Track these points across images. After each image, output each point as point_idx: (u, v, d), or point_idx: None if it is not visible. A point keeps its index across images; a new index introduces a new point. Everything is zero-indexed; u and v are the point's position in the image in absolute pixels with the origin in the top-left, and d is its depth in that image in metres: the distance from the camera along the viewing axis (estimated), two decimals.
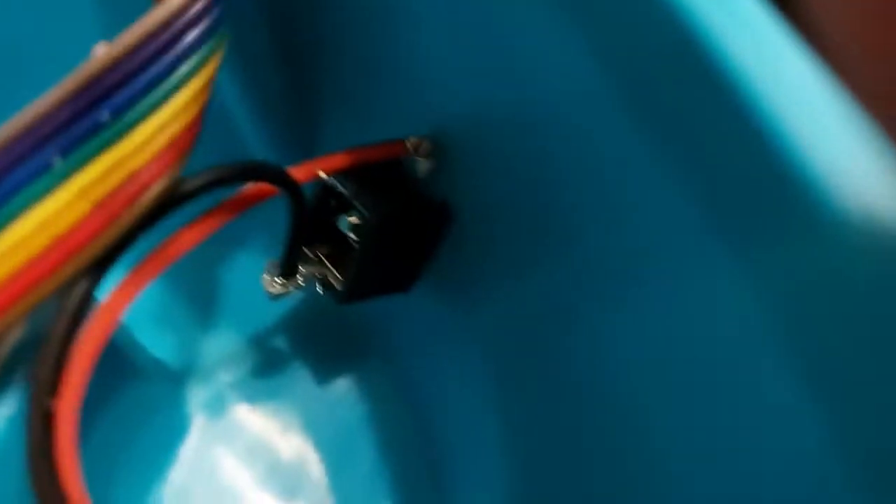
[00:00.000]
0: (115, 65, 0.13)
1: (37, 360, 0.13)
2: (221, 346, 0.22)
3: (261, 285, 0.19)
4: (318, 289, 0.20)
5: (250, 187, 0.17)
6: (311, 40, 0.21)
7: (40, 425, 0.12)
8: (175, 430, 0.20)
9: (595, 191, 0.16)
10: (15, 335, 0.15)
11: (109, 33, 0.13)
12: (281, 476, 0.21)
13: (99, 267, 0.14)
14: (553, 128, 0.16)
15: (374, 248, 0.19)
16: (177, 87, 0.13)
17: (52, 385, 0.13)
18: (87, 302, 0.14)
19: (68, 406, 0.13)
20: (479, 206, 0.19)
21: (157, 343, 0.21)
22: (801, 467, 0.13)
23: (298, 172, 0.18)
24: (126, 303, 0.15)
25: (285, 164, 0.17)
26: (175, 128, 0.14)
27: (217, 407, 0.21)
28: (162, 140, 0.14)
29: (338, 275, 0.19)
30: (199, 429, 0.21)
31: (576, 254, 0.17)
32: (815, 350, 0.12)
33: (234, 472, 0.20)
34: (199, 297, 0.22)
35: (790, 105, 0.11)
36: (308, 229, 0.19)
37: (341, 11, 0.20)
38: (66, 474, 0.12)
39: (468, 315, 0.20)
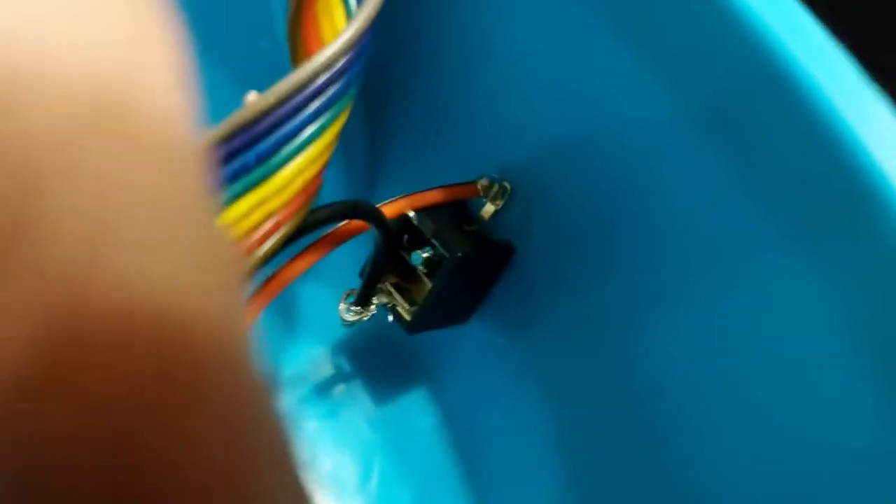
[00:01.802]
0: (265, 114, 0.14)
1: None
2: (292, 365, 0.23)
3: (335, 313, 0.20)
4: (389, 318, 0.21)
5: (344, 224, 0.18)
6: (387, 81, 0.22)
7: None
8: None
9: (663, 212, 0.17)
10: None
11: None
12: (335, 497, 0.22)
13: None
14: (626, 156, 0.18)
15: (447, 286, 0.20)
16: (315, 136, 0.15)
17: None
18: None
19: None
20: (541, 239, 0.20)
21: None
22: (864, 468, 0.14)
23: (387, 210, 0.19)
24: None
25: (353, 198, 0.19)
26: (309, 173, 0.15)
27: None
28: (298, 184, 0.15)
29: (407, 306, 0.21)
30: None
31: (637, 272, 0.18)
32: (881, 349, 0.13)
33: None
34: (276, 320, 0.23)
35: (856, 110, 0.13)
36: (388, 262, 0.20)
37: (419, 55, 0.21)
38: None
39: (525, 341, 0.21)
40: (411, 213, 0.19)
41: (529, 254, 0.21)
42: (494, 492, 0.22)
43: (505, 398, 0.22)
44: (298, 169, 0.15)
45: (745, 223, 0.15)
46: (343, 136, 0.24)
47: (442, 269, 0.20)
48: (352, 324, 0.20)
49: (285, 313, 0.24)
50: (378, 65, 0.22)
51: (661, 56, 0.16)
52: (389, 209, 0.19)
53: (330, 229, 0.18)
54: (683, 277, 0.17)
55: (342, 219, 0.17)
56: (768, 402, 0.16)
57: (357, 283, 0.20)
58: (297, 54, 0.16)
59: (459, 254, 0.19)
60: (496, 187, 0.20)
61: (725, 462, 0.17)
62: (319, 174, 0.15)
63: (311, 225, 0.16)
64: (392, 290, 0.21)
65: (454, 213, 0.20)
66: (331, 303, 0.21)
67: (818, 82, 0.13)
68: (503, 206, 0.21)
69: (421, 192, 0.20)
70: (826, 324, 0.14)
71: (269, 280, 0.17)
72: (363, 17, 0.15)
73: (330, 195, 0.23)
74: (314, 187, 0.15)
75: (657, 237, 0.18)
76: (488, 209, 0.21)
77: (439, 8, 0.20)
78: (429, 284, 0.20)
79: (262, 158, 0.14)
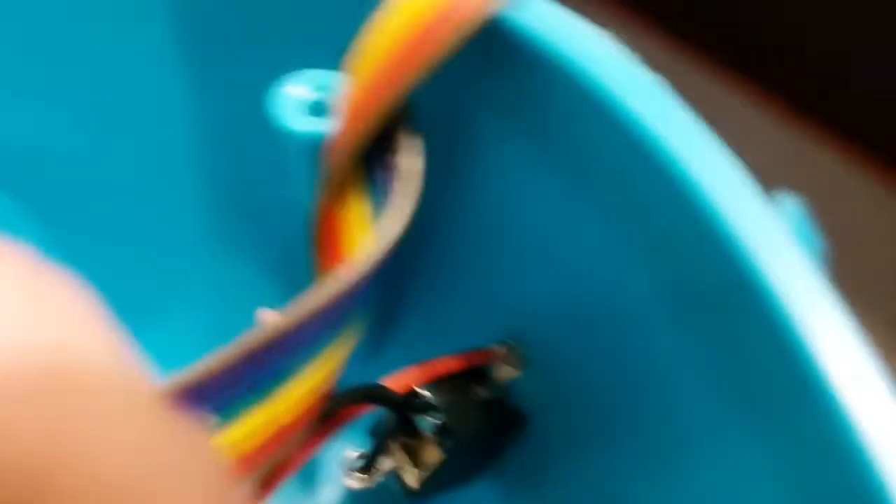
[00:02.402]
0: (283, 335, 0.14)
1: None
2: None
3: (339, 476, 0.20)
4: (397, 483, 0.20)
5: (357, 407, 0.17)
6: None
7: None
8: None
9: (649, 382, 0.17)
10: None
11: None
12: None
13: None
14: (618, 326, 0.18)
15: (457, 458, 0.19)
16: (331, 352, 0.14)
17: None
18: None
19: None
20: (549, 407, 0.20)
21: None
22: None
23: (395, 383, 0.18)
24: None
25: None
26: (323, 388, 0.14)
27: None
28: (310, 400, 0.14)
29: (416, 470, 0.20)
30: None
31: (631, 439, 0.18)
32: None
33: None
34: None
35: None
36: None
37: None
38: None
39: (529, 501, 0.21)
40: (420, 391, 0.19)
41: (537, 421, 0.20)
42: None
43: None
44: (313, 386, 0.14)
45: (708, 396, 0.16)
46: None
47: (451, 442, 0.19)
48: (356, 490, 0.20)
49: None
50: None
51: (643, 243, 0.16)
52: (398, 382, 0.18)
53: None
54: (662, 444, 0.18)
55: (365, 403, 0.17)
56: None
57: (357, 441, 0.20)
58: (318, 252, 0.15)
59: (471, 429, 0.19)
60: (513, 353, 0.20)
61: None
62: (332, 385, 0.15)
63: (329, 412, 0.16)
64: (399, 451, 0.20)
65: (467, 382, 0.20)
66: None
67: (782, 297, 0.14)
68: (519, 372, 0.20)
69: (433, 361, 0.19)
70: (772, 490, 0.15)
71: (281, 465, 0.16)
72: (393, 227, 0.14)
73: None
74: (325, 398, 0.15)
75: (644, 407, 0.18)
76: (503, 375, 0.20)
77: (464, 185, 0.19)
78: (437, 450, 0.20)
79: (276, 376, 0.14)
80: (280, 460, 0.17)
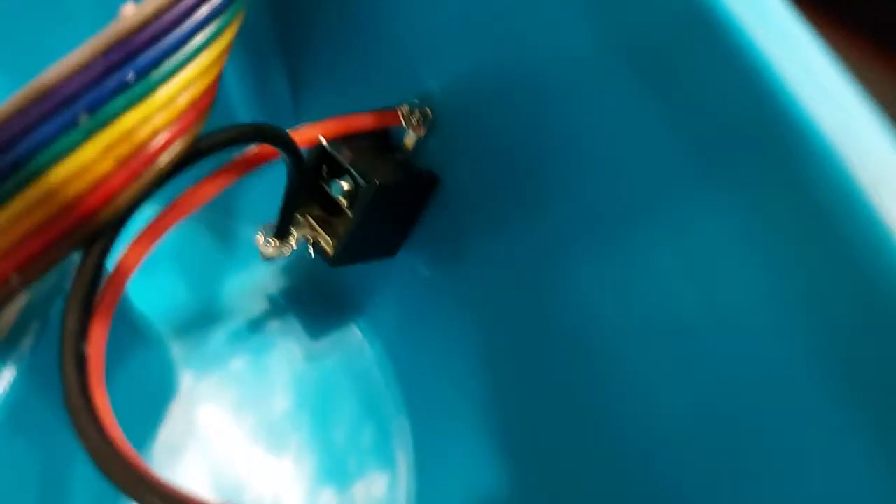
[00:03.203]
0: (142, 26, 0.13)
1: (66, 310, 0.13)
2: (213, 307, 0.22)
3: (254, 248, 0.20)
4: (310, 252, 0.20)
5: (253, 150, 0.17)
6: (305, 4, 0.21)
7: (75, 367, 0.12)
8: (166, 389, 0.21)
9: (587, 147, 0.17)
10: (20, 301, 0.15)
11: None
12: (268, 432, 0.21)
13: (119, 222, 0.14)
14: (548, 90, 0.17)
15: (368, 216, 0.19)
16: (199, 50, 0.14)
17: (81, 331, 0.13)
18: (106, 256, 0.14)
19: (97, 350, 0.13)
20: (465, 170, 0.20)
21: (152, 304, 0.21)
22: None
23: (298, 136, 0.18)
24: (141, 257, 0.15)
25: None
26: (197, 89, 0.14)
27: (207, 365, 0.21)
28: (184, 101, 0.14)
29: (329, 239, 0.20)
30: (189, 387, 0.21)
31: (563, 209, 0.18)
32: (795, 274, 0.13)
33: (223, 428, 0.21)
34: (193, 260, 0.23)
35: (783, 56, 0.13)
36: (304, 193, 0.19)
37: None
38: (102, 412, 0.12)
39: (454, 276, 0.21)
40: (325, 142, 0.18)
41: (454, 185, 0.20)
42: (429, 423, 0.22)
43: (433, 332, 0.21)
44: (184, 84, 0.14)
45: (667, 158, 0.15)
46: (255, 52, 0.23)
47: (360, 199, 0.19)
48: (271, 258, 0.20)
49: (208, 248, 0.23)
50: None
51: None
52: (302, 135, 0.18)
53: (237, 156, 0.17)
54: (606, 215, 0.17)
55: (246, 142, 0.17)
56: (695, 331, 0.16)
57: None
58: None
59: (378, 182, 0.19)
60: (417, 114, 0.20)
61: (653, 390, 0.17)
62: (210, 90, 0.15)
63: (210, 147, 0.15)
64: (313, 223, 0.20)
65: (375, 143, 0.20)
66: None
67: (742, 21, 0.13)
68: (426, 135, 0.20)
69: (338, 117, 0.19)
70: (745, 253, 0.14)
71: (175, 203, 0.16)
72: None
73: (246, 119, 0.22)
74: (204, 104, 0.15)
75: (580, 173, 0.17)
76: (411, 137, 0.20)
77: None
78: (350, 216, 0.19)
79: (142, 74, 0.13)
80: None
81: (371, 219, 0.20)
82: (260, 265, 0.23)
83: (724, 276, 0.15)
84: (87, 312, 0.13)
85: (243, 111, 0.23)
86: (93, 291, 0.14)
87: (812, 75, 0.13)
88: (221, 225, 0.23)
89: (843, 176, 0.12)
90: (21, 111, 0.12)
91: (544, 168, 0.18)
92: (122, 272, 0.15)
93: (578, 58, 0.16)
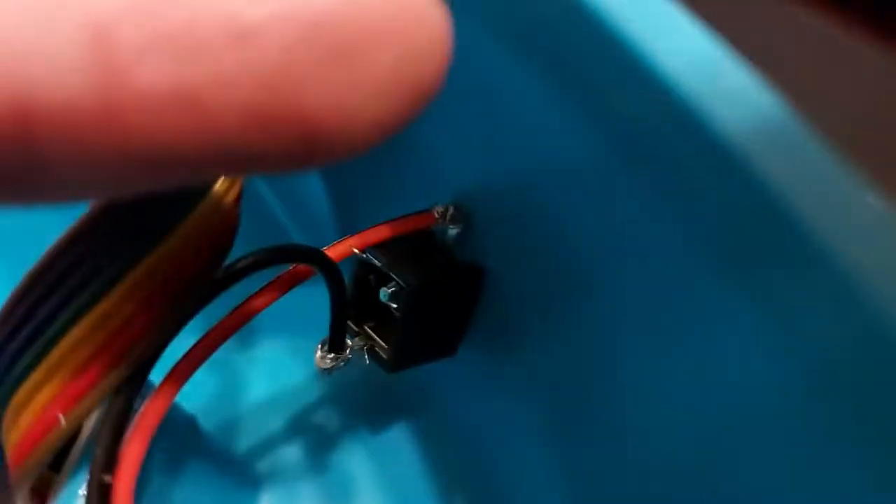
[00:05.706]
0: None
1: (96, 440, 0.14)
2: (275, 424, 0.23)
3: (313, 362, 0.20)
4: (366, 359, 0.21)
5: (289, 270, 0.18)
6: None
7: (97, 495, 0.13)
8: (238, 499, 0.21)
9: (605, 245, 0.17)
10: (89, 426, 0.17)
11: None
12: None
13: (152, 357, 0.15)
14: (559, 191, 0.18)
15: (414, 315, 0.20)
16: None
17: (107, 462, 0.14)
18: (138, 390, 0.15)
19: (123, 480, 0.14)
20: (507, 264, 0.20)
21: (208, 423, 0.22)
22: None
23: (333, 251, 0.19)
24: (177, 388, 0.16)
25: (323, 246, 0.19)
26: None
27: (278, 482, 0.22)
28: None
29: (383, 344, 0.20)
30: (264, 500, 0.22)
31: (599, 302, 0.18)
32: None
33: None
34: (248, 379, 0.24)
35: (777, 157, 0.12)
36: (351, 305, 0.20)
37: None
38: None
39: (514, 366, 0.21)
40: (357, 252, 0.19)
41: (499, 277, 0.20)
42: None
43: (503, 420, 0.21)
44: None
45: (683, 259, 0.15)
46: (304, 188, 0.25)
47: (402, 299, 0.19)
48: (328, 371, 0.20)
49: (265, 364, 0.24)
50: None
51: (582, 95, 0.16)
52: (336, 251, 0.19)
53: (274, 278, 0.18)
54: (639, 306, 0.17)
55: (281, 263, 0.17)
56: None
57: None
58: None
59: (415, 282, 0.19)
60: (452, 210, 0.20)
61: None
62: (230, 227, 0.16)
63: (242, 272, 0.16)
64: (370, 331, 0.21)
65: (414, 244, 0.20)
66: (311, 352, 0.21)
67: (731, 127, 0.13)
68: (466, 232, 0.20)
69: (369, 228, 0.19)
70: (763, 347, 0.14)
71: (203, 339, 0.17)
72: None
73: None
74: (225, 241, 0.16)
75: (605, 268, 0.17)
76: (450, 234, 0.20)
77: None
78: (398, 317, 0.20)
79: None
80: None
81: (418, 317, 0.20)
82: (311, 380, 0.23)
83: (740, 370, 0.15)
84: (115, 444, 0.14)
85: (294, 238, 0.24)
86: (124, 422, 0.15)
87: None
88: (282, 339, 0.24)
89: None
90: None
91: (572, 262, 0.18)
92: (157, 405, 0.16)
93: (579, 162, 0.17)
